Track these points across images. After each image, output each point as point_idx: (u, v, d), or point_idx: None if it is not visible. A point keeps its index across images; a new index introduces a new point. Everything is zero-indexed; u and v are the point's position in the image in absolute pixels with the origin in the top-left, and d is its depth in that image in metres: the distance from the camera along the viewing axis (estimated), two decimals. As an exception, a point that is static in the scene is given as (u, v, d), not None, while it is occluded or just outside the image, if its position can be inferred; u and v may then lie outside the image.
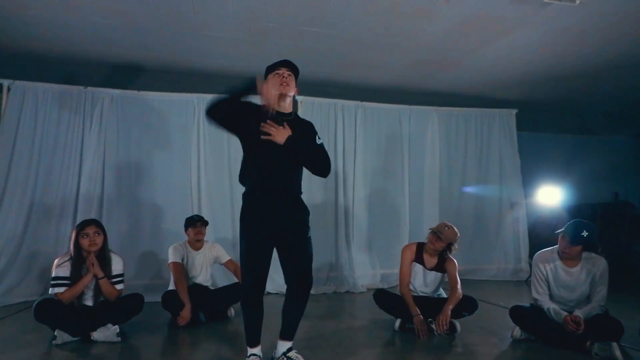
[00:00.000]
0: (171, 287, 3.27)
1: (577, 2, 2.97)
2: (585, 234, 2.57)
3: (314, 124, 4.87)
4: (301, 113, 4.80)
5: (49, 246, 4.15)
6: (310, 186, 4.75)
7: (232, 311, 3.38)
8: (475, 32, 3.79)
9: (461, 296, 2.94)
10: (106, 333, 2.78)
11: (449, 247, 3.04)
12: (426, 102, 5.39)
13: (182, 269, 3.26)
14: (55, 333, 2.73)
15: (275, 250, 2.26)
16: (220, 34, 3.81)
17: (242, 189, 2.33)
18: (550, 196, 5.56)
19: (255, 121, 2.17)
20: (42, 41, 3.94)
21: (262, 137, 2.14)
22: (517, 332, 2.79)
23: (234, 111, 2.14)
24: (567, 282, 2.67)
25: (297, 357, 2.30)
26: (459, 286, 2.97)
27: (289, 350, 2.32)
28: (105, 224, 4.16)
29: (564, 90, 5.34)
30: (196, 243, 3.42)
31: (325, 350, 2.66)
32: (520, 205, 5.42)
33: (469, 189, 5.39)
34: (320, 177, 4.59)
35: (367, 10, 3.37)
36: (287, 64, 2.27)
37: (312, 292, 4.25)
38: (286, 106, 2.27)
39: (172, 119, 4.59)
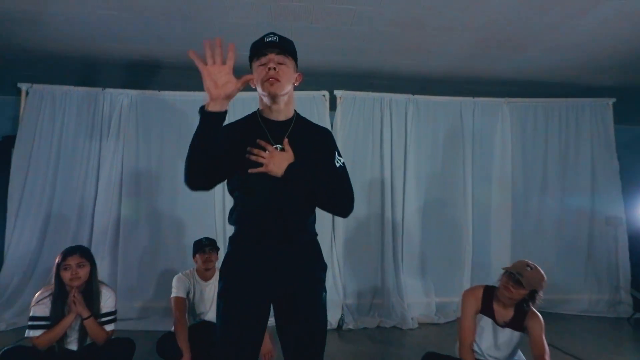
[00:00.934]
0: (172, 328, 2.73)
1: None
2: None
3: (356, 124, 4.25)
4: (339, 112, 4.13)
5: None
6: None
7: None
8: (559, 2, 2.83)
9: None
10: None
11: (531, 295, 2.20)
12: (494, 93, 4.43)
13: (184, 307, 2.70)
14: None
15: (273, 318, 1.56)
16: (239, 21, 3.20)
17: None
18: None
19: (244, 136, 1.49)
20: (56, 42, 3.59)
21: (251, 170, 1.44)
22: None
23: (213, 158, 1.41)
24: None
25: None
26: (547, 356, 2.11)
27: None
28: (122, 238, 3.86)
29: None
30: (205, 272, 2.86)
31: None
32: (618, 220, 4.28)
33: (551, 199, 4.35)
34: (362, 183, 4.03)
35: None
36: (274, 45, 1.48)
37: (350, 326, 3.67)
38: (281, 109, 1.55)
39: (195, 120, 4.08)
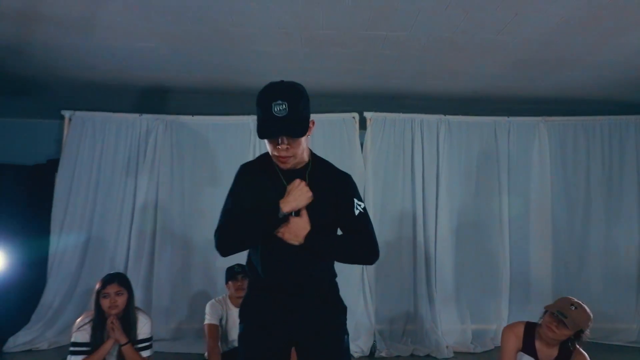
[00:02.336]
0: (206, 353, 2.75)
1: None
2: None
3: (386, 146, 4.20)
4: (369, 133, 4.11)
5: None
6: (382, 219, 4.00)
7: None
8: (605, 19, 2.73)
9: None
10: None
11: (576, 335, 2.08)
12: (531, 112, 4.29)
13: (217, 334, 2.73)
14: None
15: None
16: (268, 49, 3.26)
17: None
18: None
19: (264, 188, 1.47)
20: (97, 71, 3.76)
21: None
22: None
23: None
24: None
25: None
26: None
27: None
28: (156, 262, 3.95)
29: None
30: (238, 299, 2.86)
31: None
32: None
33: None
34: (393, 206, 3.97)
35: (445, 1, 2.54)
36: (284, 126, 1.34)
37: (383, 354, 3.58)
38: (296, 162, 1.48)
39: (227, 143, 4.18)
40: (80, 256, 3.98)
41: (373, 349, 3.65)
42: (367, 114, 4.15)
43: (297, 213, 1.43)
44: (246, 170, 1.56)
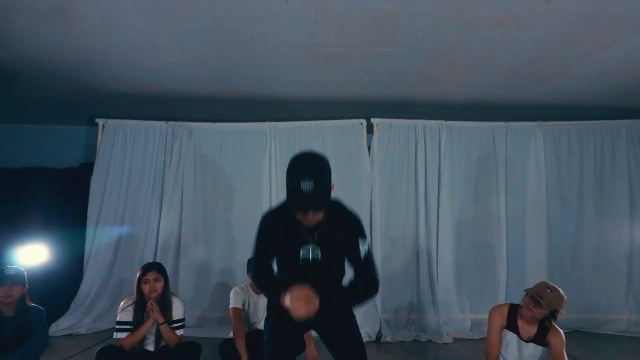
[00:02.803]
0: (231, 335, 3.13)
1: None
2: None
3: (392, 150, 4.53)
4: (376, 138, 4.45)
5: (133, 275, 4.35)
6: (388, 218, 4.34)
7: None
8: (587, 35, 3.04)
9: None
10: None
11: (552, 314, 2.40)
12: (527, 117, 4.59)
13: (241, 316, 3.10)
14: None
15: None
16: (285, 63, 3.63)
17: None
18: None
19: (285, 234, 1.79)
20: (127, 83, 4.16)
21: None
22: None
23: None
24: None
25: None
26: (566, 369, 2.31)
27: None
28: (181, 257, 4.34)
29: None
30: (258, 287, 3.24)
31: None
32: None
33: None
34: (398, 205, 4.28)
35: (441, 22, 2.89)
36: (311, 202, 1.62)
37: (388, 339, 3.92)
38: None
39: (244, 147, 4.56)
40: (113, 251, 4.40)
41: (379, 335, 3.99)
42: (374, 120, 4.50)
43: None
44: (269, 221, 1.85)
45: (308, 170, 1.59)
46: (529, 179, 4.46)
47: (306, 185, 1.56)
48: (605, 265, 4.34)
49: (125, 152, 4.58)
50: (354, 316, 1.92)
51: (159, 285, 2.87)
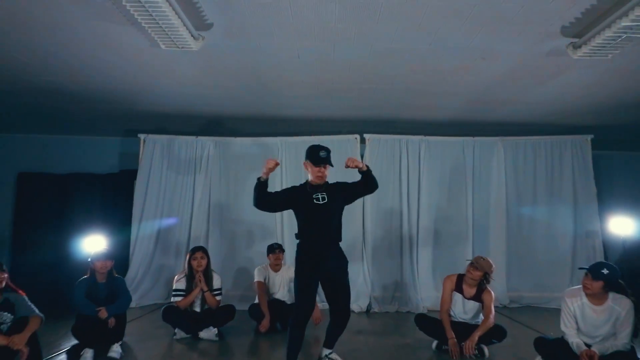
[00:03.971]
0: (256, 301, 4.15)
1: (610, 57, 3.15)
2: (605, 271, 2.79)
3: (381, 159, 5.57)
4: (368, 150, 5.48)
5: (170, 261, 5.39)
6: (377, 214, 5.36)
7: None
8: (521, 79, 4.07)
9: (492, 324, 3.29)
10: (209, 333, 3.74)
11: (486, 277, 3.40)
12: (491, 133, 5.61)
13: (264, 287, 4.12)
14: (175, 330, 3.76)
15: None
16: (295, 93, 4.65)
17: None
18: (626, 227, 5.25)
19: (302, 196, 2.88)
20: (166, 106, 5.18)
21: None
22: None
23: (282, 202, 2.93)
24: (592, 319, 2.87)
25: (336, 357, 2.98)
26: (492, 316, 3.31)
27: (331, 353, 2.98)
28: (210, 247, 5.36)
29: (643, 115, 5.14)
30: (275, 266, 4.26)
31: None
32: (595, 234, 5.32)
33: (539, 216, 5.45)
34: (386, 205, 5.31)
35: (413, 69, 3.92)
36: (326, 161, 2.86)
37: (376, 309, 4.95)
38: (321, 182, 2.94)
39: (261, 157, 5.52)
40: (154, 242, 5.42)
41: (369, 307, 5.02)
42: (366, 135, 5.52)
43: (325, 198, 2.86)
44: (292, 188, 3.03)
45: (322, 147, 2.89)
46: (492, 184, 5.48)
47: (322, 153, 2.84)
48: (553, 252, 5.36)
49: (162, 161, 5.60)
50: (347, 263, 2.96)
51: (204, 262, 3.89)
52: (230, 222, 5.48)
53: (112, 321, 3.31)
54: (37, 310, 2.93)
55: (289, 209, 3.01)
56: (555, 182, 5.50)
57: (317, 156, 2.82)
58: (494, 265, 3.44)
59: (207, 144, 5.61)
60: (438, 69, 3.85)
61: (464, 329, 3.38)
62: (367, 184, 2.98)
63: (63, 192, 6.44)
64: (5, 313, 2.79)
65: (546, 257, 5.37)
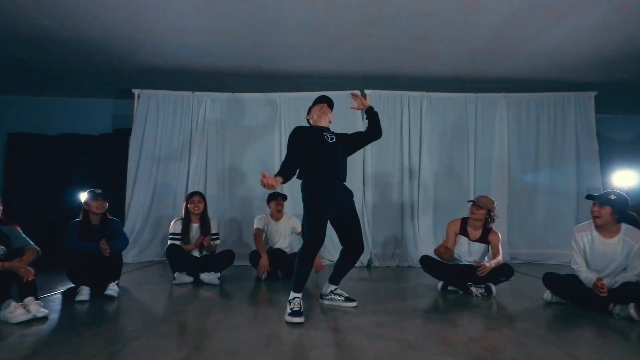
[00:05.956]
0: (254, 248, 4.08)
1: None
2: (612, 197, 2.74)
3: (381, 116, 5.49)
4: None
5: (167, 215, 5.28)
6: (378, 171, 5.28)
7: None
8: (531, 20, 3.95)
9: (501, 262, 3.25)
10: (210, 277, 3.66)
11: (489, 215, 3.35)
12: (494, 89, 5.52)
13: (262, 233, 4.05)
14: (175, 275, 3.68)
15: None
16: (294, 41, 4.51)
17: None
18: (629, 179, 5.27)
19: (312, 134, 2.88)
20: (161, 58, 5.02)
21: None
22: (548, 295, 3.01)
23: (300, 153, 2.81)
24: (603, 252, 2.83)
25: (341, 292, 2.90)
26: (500, 255, 3.27)
27: (336, 289, 2.92)
28: (207, 204, 5.25)
29: (648, 69, 5.07)
30: (277, 214, 4.18)
31: (373, 299, 3.20)
32: (597, 191, 5.26)
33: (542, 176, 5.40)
34: (386, 160, 5.22)
35: (417, 11, 3.79)
36: (328, 101, 3.05)
37: (376, 264, 4.90)
38: (327, 122, 3.05)
39: (259, 114, 5.46)
40: (150, 198, 5.31)
41: (369, 263, 4.97)
42: (367, 91, 5.41)
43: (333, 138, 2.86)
44: (298, 129, 2.96)
45: (325, 96, 3.11)
46: (494, 141, 5.41)
47: (325, 99, 3.07)
48: (555, 209, 5.34)
49: (157, 117, 5.46)
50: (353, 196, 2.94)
51: (201, 206, 3.82)
52: (228, 179, 5.38)
53: (105, 247, 3.19)
54: (32, 243, 2.83)
55: (305, 152, 2.86)
56: (558, 139, 5.44)
57: (320, 97, 3.06)
58: (496, 202, 3.38)
59: (204, 99, 5.47)
60: (443, 7, 3.72)
61: (468, 270, 3.34)
62: (373, 126, 3.02)
63: (55, 153, 6.29)
64: None
65: (548, 214, 5.34)
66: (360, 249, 2.89)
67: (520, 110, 5.49)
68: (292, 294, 2.63)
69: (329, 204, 2.74)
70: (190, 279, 3.70)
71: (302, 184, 2.85)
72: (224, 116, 5.47)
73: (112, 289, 3.10)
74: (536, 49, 4.57)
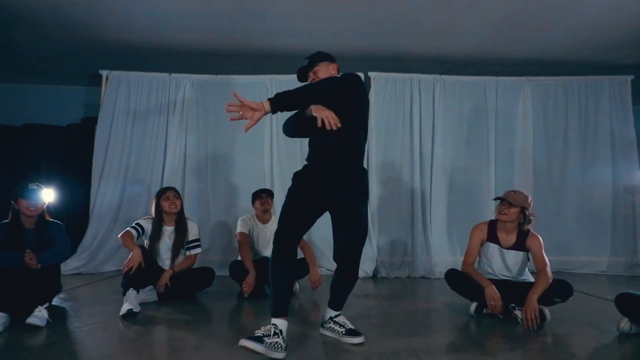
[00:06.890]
0: (238, 258, 3.32)
1: None
2: None
3: (388, 102, 4.69)
4: (373, 91, 4.66)
5: (139, 216, 4.48)
6: (384, 164, 4.56)
7: (297, 286, 3.32)
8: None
9: (551, 280, 2.51)
10: (146, 295, 2.89)
11: (524, 215, 2.63)
12: (517, 73, 4.82)
13: (247, 239, 3.30)
14: (125, 294, 2.72)
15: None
16: (287, 9, 3.77)
17: None
18: None
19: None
20: (129, 32, 4.27)
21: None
22: (625, 324, 2.28)
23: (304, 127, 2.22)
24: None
25: (344, 321, 2.16)
26: (547, 268, 2.54)
27: (337, 315, 2.19)
28: (185, 200, 4.46)
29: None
30: (264, 215, 3.44)
31: (384, 328, 2.46)
32: (636, 189, 4.58)
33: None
34: (394, 152, 4.46)
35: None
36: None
37: (383, 274, 4.16)
38: None
39: (247, 99, 4.66)
40: (119, 196, 4.54)
41: (376, 272, 4.24)
42: (371, 74, 4.68)
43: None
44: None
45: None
46: (517, 130, 4.70)
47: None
48: (587, 209, 4.62)
49: (129, 102, 4.69)
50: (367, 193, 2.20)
51: (178, 203, 3.09)
52: (210, 175, 4.63)
53: (31, 258, 2.47)
54: None
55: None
56: (590, 128, 4.74)
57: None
58: (530, 197, 2.67)
59: (183, 82, 4.71)
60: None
61: (508, 288, 2.60)
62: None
63: (16, 145, 5.54)
64: None
65: (580, 215, 4.63)
66: (348, 270, 2.11)
67: (546, 96, 4.77)
68: (272, 319, 1.95)
69: (311, 187, 2.13)
70: (153, 297, 2.93)
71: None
72: (207, 101, 4.72)
73: (38, 315, 2.31)
74: (574, 20, 3.86)
